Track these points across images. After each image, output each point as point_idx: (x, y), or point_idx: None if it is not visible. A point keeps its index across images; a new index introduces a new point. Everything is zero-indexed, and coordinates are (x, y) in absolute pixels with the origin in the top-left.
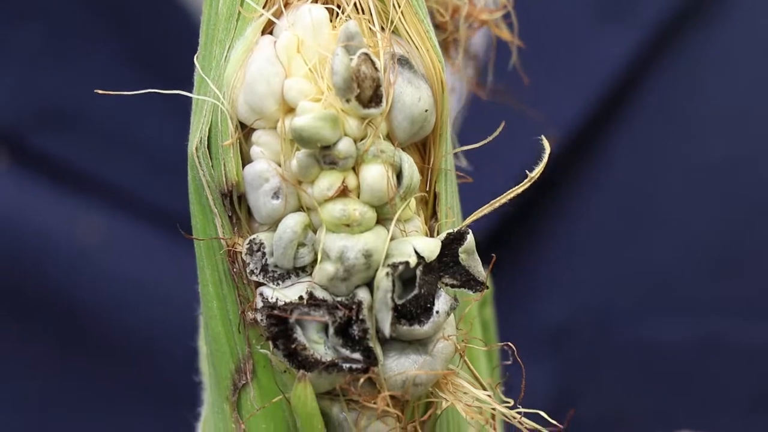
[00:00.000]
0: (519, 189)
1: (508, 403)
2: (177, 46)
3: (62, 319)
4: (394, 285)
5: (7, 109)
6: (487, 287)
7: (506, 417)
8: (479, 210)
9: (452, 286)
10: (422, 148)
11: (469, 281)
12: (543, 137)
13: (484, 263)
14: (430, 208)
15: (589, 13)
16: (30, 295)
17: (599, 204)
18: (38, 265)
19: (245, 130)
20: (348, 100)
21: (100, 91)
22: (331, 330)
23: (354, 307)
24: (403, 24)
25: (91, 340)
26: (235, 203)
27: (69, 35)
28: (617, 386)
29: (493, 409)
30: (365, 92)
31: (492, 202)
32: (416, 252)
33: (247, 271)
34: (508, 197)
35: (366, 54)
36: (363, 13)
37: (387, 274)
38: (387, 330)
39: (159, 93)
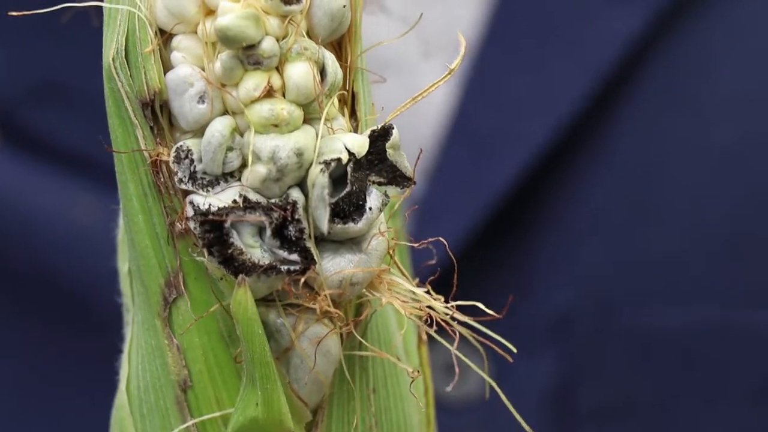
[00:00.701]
0: (442, 80)
1: (440, 299)
2: None
3: (55, 298)
4: (330, 180)
5: (0, 88)
6: (414, 182)
7: (440, 312)
8: (402, 104)
9: (379, 184)
10: (338, 47)
11: (396, 177)
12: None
13: (490, 249)
14: (350, 108)
15: None
16: (22, 275)
17: (604, 187)
18: (31, 245)
19: (164, 37)
20: None
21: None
22: (268, 232)
23: (289, 207)
24: None
25: (87, 318)
26: (157, 112)
27: (64, 9)
28: (621, 373)
29: (428, 306)
30: None
31: (415, 95)
32: (346, 149)
33: (176, 179)
34: (431, 90)
35: None
36: None
37: (321, 170)
38: (325, 227)
39: None
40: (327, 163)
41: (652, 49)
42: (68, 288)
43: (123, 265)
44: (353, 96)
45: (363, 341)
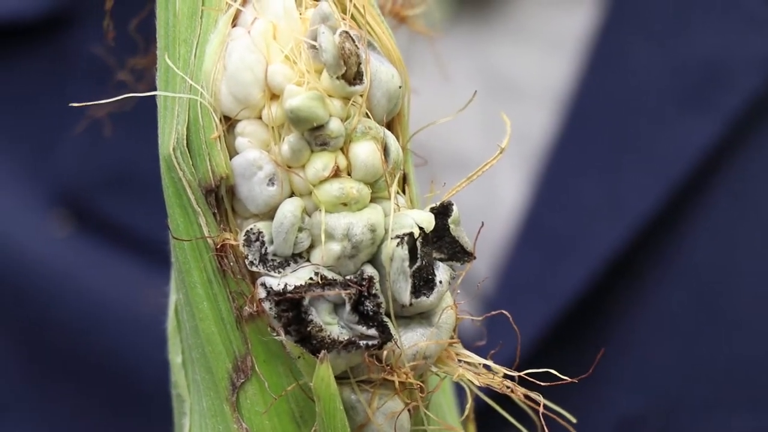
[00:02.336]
0: (493, 160)
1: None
2: None
3: (118, 383)
4: (420, 257)
5: (74, 174)
6: (475, 257)
7: (509, 384)
8: (461, 182)
9: (440, 260)
10: (388, 129)
11: (457, 253)
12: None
13: (559, 350)
14: (401, 187)
15: (672, 101)
16: (88, 359)
17: (674, 293)
18: (98, 329)
19: (228, 123)
20: (337, 78)
21: (74, 104)
22: (347, 307)
23: (365, 282)
24: (358, 8)
25: (148, 405)
26: (222, 199)
27: (138, 99)
28: None
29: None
30: (351, 69)
31: (470, 175)
32: (416, 224)
33: (246, 263)
34: (484, 169)
35: (347, 32)
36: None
37: (398, 244)
38: (407, 299)
39: None
40: (401, 238)
41: (724, 158)
42: (124, 373)
43: (176, 357)
44: (404, 176)
45: (430, 414)
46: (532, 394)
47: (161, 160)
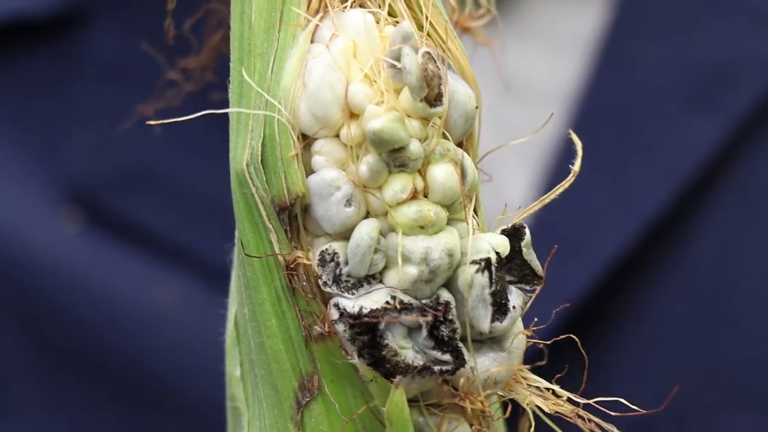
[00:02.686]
0: (565, 184)
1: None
2: None
3: (130, 382)
4: (495, 282)
5: (86, 171)
6: (544, 281)
7: (579, 412)
8: (531, 205)
9: (510, 282)
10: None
11: (526, 276)
12: (571, 133)
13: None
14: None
15: (680, 102)
16: (100, 357)
17: (680, 295)
18: (109, 328)
19: (305, 141)
20: (421, 100)
21: (151, 122)
22: (423, 332)
23: (441, 307)
24: (434, 26)
25: (159, 405)
26: (294, 216)
27: (148, 97)
28: None
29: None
30: (433, 91)
31: (541, 198)
32: (492, 248)
33: (320, 282)
34: (555, 194)
35: (429, 52)
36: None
37: (477, 270)
38: (486, 326)
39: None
40: (479, 263)
41: (731, 159)
42: (140, 372)
43: (234, 369)
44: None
45: None
46: (605, 425)
47: (233, 174)
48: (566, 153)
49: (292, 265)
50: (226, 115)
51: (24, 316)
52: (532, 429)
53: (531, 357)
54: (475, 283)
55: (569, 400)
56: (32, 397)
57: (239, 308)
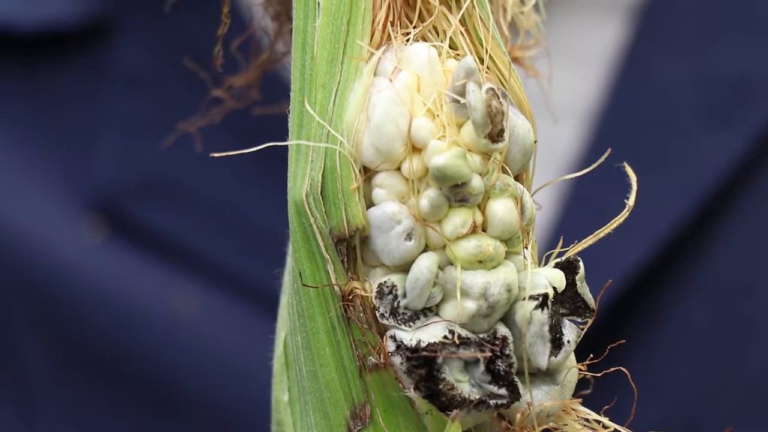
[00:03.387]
0: (621, 218)
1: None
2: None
3: (150, 390)
4: (550, 317)
5: (109, 180)
6: (596, 313)
7: None
8: (590, 236)
9: (562, 315)
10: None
11: (578, 309)
12: (626, 165)
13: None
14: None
15: (698, 117)
16: (121, 365)
17: (696, 308)
18: (131, 336)
19: (366, 174)
20: (484, 136)
21: (215, 155)
22: (481, 367)
23: (498, 342)
24: (493, 60)
25: (179, 413)
26: (352, 247)
27: (173, 107)
28: None
29: None
30: (496, 128)
31: (599, 230)
32: (549, 284)
33: (378, 314)
34: (612, 226)
35: (493, 89)
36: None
37: (537, 307)
38: (544, 363)
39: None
40: (537, 299)
41: (749, 174)
42: (165, 376)
43: (282, 395)
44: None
45: None
46: None
47: (291, 204)
48: (585, 166)
49: (348, 296)
50: (250, 120)
51: (46, 323)
52: None
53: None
54: (534, 319)
55: None
56: (54, 404)
57: (290, 334)
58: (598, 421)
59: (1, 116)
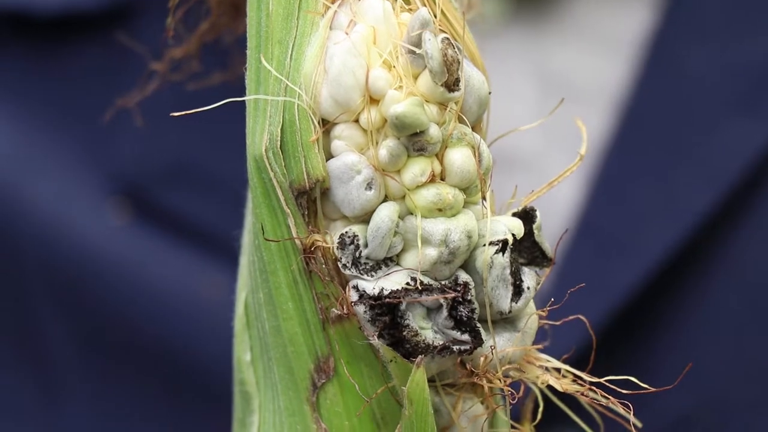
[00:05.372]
0: (573, 167)
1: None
2: None
3: (174, 372)
4: (511, 262)
5: (134, 164)
6: (554, 262)
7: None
8: (540, 188)
9: (520, 264)
10: None
11: (536, 258)
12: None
13: (611, 349)
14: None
15: (727, 105)
16: (144, 347)
17: (725, 294)
18: (153, 319)
19: (325, 126)
20: (441, 85)
21: (174, 114)
22: (444, 313)
23: (460, 288)
24: (445, 14)
25: (204, 396)
26: (317, 200)
27: (197, 93)
28: None
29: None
30: (452, 76)
31: (551, 180)
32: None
33: (339, 265)
34: (565, 175)
35: (448, 38)
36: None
37: (497, 251)
38: (506, 306)
39: None
40: (497, 244)
41: None
42: (189, 359)
43: (244, 354)
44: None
45: (506, 419)
46: (614, 400)
47: (250, 160)
48: (612, 153)
49: (309, 249)
50: None
51: (70, 305)
52: (540, 409)
53: (579, 354)
54: (495, 263)
55: (579, 378)
56: (79, 386)
57: (251, 293)
58: (558, 369)
59: (26, 98)
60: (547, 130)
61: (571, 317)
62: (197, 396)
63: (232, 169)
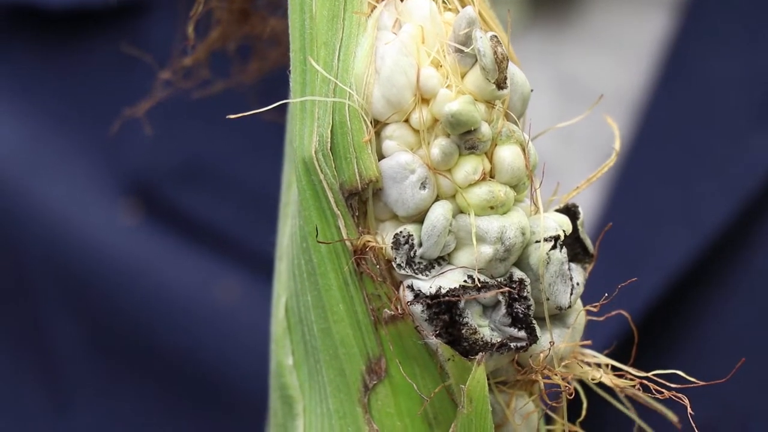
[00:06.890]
0: (610, 162)
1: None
2: None
3: (185, 375)
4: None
5: (145, 163)
6: (595, 258)
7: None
8: (580, 184)
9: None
10: None
11: (578, 254)
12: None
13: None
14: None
15: (746, 113)
16: (155, 349)
17: (746, 303)
18: (165, 320)
19: (376, 127)
20: (493, 82)
21: (231, 116)
22: (502, 310)
23: (515, 285)
24: (481, 14)
25: (215, 399)
26: (364, 201)
27: (207, 89)
28: None
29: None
30: (502, 74)
31: (589, 177)
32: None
33: (394, 265)
34: (601, 173)
35: (496, 36)
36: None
37: (553, 247)
38: (565, 301)
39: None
40: (551, 240)
41: None
42: (200, 362)
43: (285, 358)
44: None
45: (555, 416)
46: (669, 393)
47: (299, 162)
48: (631, 159)
49: (360, 250)
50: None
51: (80, 306)
52: (584, 406)
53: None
54: (553, 259)
55: (627, 374)
56: (88, 387)
57: (293, 296)
58: (608, 365)
59: (37, 95)
60: (566, 135)
61: (614, 312)
62: (208, 399)
63: (246, 169)
